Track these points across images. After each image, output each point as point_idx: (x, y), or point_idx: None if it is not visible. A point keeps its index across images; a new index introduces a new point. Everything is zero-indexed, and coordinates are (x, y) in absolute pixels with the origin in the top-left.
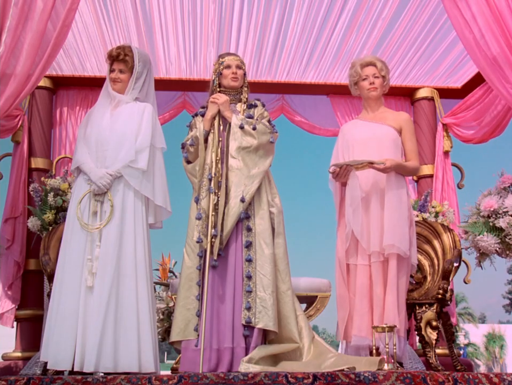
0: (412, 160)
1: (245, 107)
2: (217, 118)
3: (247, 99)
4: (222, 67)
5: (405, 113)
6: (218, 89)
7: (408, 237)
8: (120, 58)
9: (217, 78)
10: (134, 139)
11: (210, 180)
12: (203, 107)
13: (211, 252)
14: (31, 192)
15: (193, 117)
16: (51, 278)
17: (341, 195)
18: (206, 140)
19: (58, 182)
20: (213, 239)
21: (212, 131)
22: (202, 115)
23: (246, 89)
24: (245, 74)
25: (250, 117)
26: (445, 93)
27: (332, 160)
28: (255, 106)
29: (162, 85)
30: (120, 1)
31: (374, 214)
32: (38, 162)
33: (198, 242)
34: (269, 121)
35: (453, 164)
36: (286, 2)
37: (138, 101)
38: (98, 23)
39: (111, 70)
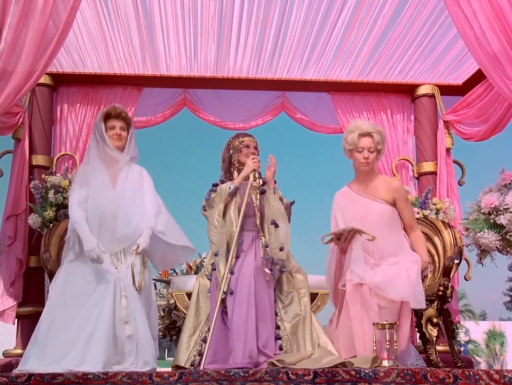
0: (415, 230)
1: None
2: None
3: (260, 174)
4: (241, 146)
5: (395, 181)
6: (237, 165)
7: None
8: (123, 115)
9: (235, 155)
10: (143, 206)
11: None
12: (222, 182)
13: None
14: (32, 189)
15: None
16: (51, 275)
17: (337, 262)
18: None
19: (58, 179)
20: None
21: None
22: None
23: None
24: (258, 154)
25: (263, 192)
26: (446, 90)
27: (331, 229)
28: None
29: (163, 82)
30: None
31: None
32: (38, 159)
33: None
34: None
35: (454, 162)
36: None
37: (130, 162)
38: (98, 19)
39: (110, 128)
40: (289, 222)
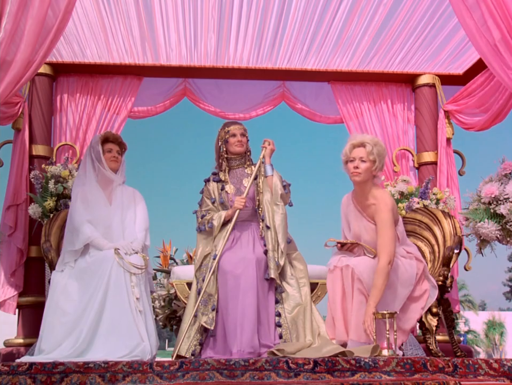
0: (380, 261)
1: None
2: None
3: (252, 161)
4: (227, 136)
5: (381, 203)
6: (225, 155)
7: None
8: (119, 140)
9: (223, 146)
10: (134, 221)
11: None
12: (214, 174)
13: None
14: (32, 179)
15: (205, 182)
16: (52, 265)
17: None
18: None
19: (59, 169)
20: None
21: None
22: (216, 181)
23: (249, 153)
24: (247, 140)
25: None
26: (447, 79)
27: (342, 227)
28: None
29: (163, 71)
30: None
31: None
32: (38, 149)
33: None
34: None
35: (454, 151)
36: None
37: (123, 184)
38: (98, 9)
39: (108, 150)
40: (290, 204)
